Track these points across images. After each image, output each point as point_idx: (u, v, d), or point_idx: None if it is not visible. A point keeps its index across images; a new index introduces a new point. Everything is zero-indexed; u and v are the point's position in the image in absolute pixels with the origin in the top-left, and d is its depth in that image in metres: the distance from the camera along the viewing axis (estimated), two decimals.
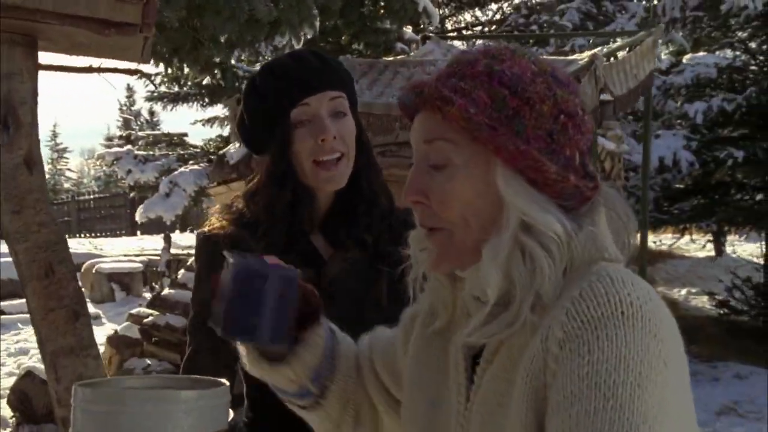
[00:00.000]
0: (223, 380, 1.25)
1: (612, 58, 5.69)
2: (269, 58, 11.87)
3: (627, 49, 6.13)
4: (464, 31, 15.40)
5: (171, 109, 13.12)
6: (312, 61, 1.84)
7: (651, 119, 8.88)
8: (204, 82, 10.95)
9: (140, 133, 15.42)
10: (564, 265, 1.09)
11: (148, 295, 9.92)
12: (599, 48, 5.63)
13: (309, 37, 6.45)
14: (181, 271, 8.32)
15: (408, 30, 9.97)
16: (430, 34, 7.53)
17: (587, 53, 5.58)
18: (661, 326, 1.02)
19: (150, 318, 7.40)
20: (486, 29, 15.12)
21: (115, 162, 12.96)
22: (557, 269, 1.08)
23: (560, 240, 1.09)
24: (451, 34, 13.46)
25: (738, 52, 10.68)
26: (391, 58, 7.69)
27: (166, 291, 7.93)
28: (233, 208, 1.89)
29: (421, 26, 10.77)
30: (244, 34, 4.87)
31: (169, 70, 9.10)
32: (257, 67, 10.52)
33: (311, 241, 1.86)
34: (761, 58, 10.28)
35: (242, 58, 9.58)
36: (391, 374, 1.40)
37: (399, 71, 6.51)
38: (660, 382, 0.99)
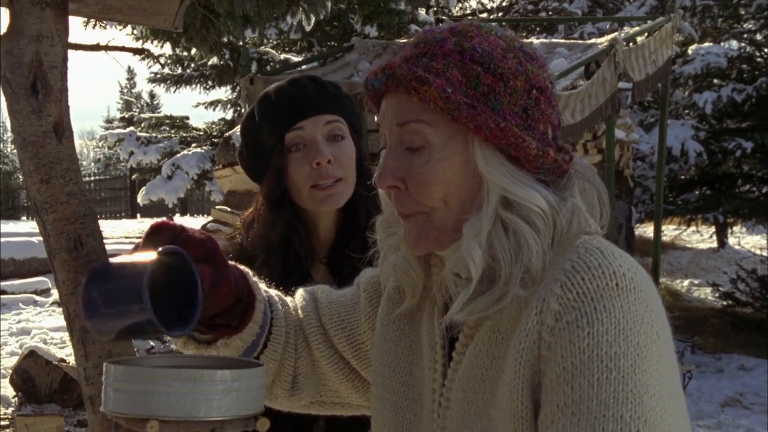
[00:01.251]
0: (260, 362, 1.20)
1: (631, 44, 5.61)
2: (274, 41, 11.79)
3: (645, 34, 6.06)
4: (469, 18, 15.28)
5: (174, 92, 13.08)
6: (307, 86, 1.84)
7: (660, 108, 8.82)
8: (210, 63, 10.88)
9: (142, 115, 15.35)
10: (550, 239, 1.09)
11: None
12: (618, 32, 5.55)
13: (321, 17, 6.37)
14: None
15: (422, 12, 9.90)
16: (444, 17, 7.45)
17: (607, 37, 5.50)
18: (650, 297, 1.04)
19: None
20: (492, 16, 15.02)
21: (117, 143, 12.92)
22: (543, 243, 1.08)
23: (545, 214, 1.09)
24: (467, 17, 13.38)
25: (743, 44, 10.64)
26: (405, 40, 7.67)
27: None
28: (235, 240, 1.88)
29: (435, 8, 10.67)
30: (262, 10, 4.81)
31: (177, 50, 9.02)
32: (263, 48, 10.45)
33: (309, 273, 1.84)
34: (766, 50, 10.23)
35: (248, 40, 9.49)
36: (351, 345, 1.37)
37: None
38: (655, 352, 1.01)
